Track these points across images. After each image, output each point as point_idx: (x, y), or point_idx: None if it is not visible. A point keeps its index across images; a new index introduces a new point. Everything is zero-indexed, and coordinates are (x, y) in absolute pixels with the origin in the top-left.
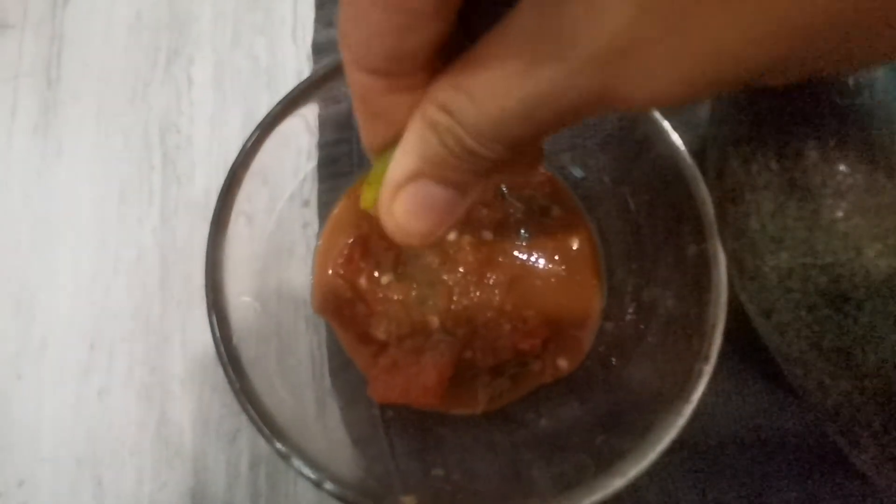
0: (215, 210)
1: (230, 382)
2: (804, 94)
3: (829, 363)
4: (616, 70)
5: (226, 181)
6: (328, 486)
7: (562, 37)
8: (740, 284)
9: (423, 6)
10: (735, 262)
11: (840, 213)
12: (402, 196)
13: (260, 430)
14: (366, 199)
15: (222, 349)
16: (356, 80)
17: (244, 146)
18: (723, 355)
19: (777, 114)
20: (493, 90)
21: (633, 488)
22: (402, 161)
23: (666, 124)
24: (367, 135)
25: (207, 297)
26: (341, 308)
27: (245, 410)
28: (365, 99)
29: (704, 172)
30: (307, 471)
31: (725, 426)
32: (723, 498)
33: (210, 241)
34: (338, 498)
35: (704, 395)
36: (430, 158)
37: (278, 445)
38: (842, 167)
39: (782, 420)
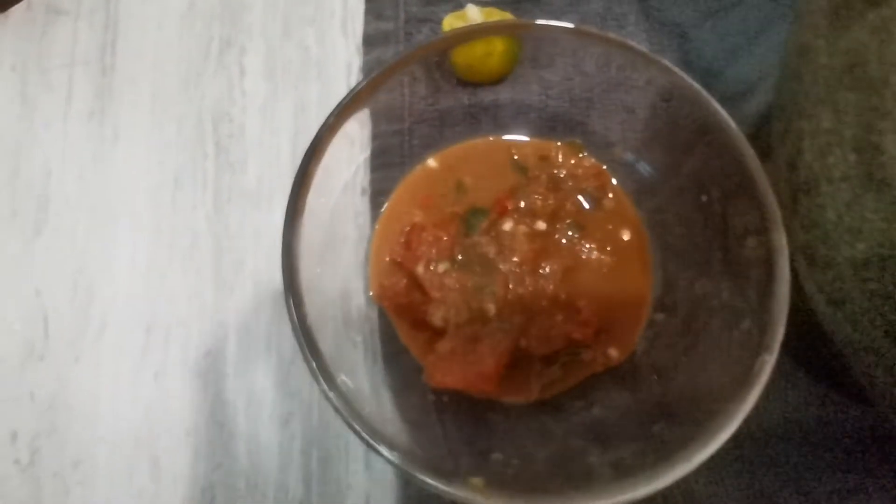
0: (290, 199)
1: (307, 361)
2: (882, 89)
3: None
4: None
5: (298, 173)
6: (401, 462)
7: None
8: (809, 275)
9: None
10: (804, 253)
11: None
12: None
13: (338, 411)
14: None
15: (300, 331)
16: None
17: (315, 140)
18: None
19: (855, 107)
20: None
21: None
22: None
23: (725, 115)
24: None
25: (285, 280)
26: (398, 295)
27: (323, 392)
28: None
29: (763, 159)
30: (390, 454)
31: (771, 419)
32: (768, 487)
33: (286, 229)
34: (410, 476)
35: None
36: None
37: (359, 428)
38: None
39: (827, 413)
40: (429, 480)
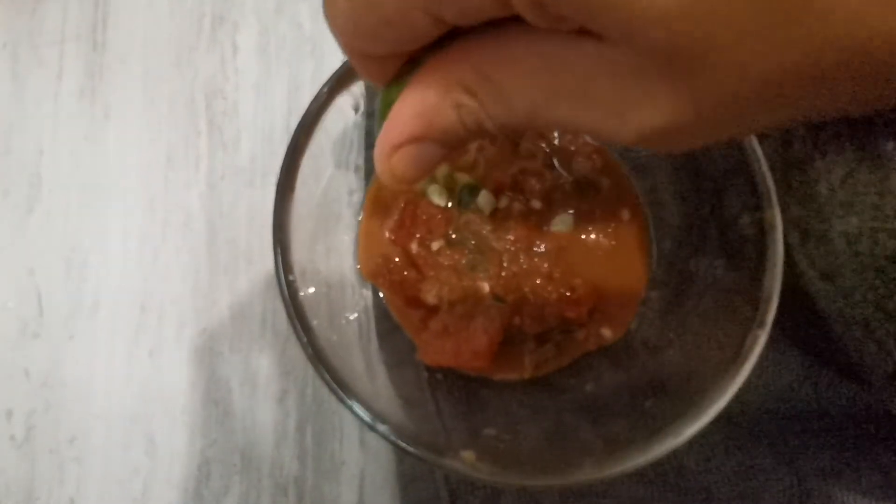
0: (280, 176)
1: (298, 337)
2: None
3: (894, 324)
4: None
5: (289, 148)
6: (393, 436)
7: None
8: (803, 250)
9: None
10: (798, 228)
11: None
12: (403, 152)
13: (329, 386)
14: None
15: (291, 308)
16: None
17: (306, 115)
18: None
19: None
20: (522, 89)
21: (674, 455)
22: (408, 123)
23: None
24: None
25: (276, 256)
26: (391, 273)
27: (315, 367)
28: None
29: (761, 141)
30: (382, 428)
31: (762, 397)
32: (759, 464)
33: (277, 205)
34: (404, 451)
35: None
36: (441, 128)
37: (352, 404)
38: None
39: (819, 392)
40: (420, 454)
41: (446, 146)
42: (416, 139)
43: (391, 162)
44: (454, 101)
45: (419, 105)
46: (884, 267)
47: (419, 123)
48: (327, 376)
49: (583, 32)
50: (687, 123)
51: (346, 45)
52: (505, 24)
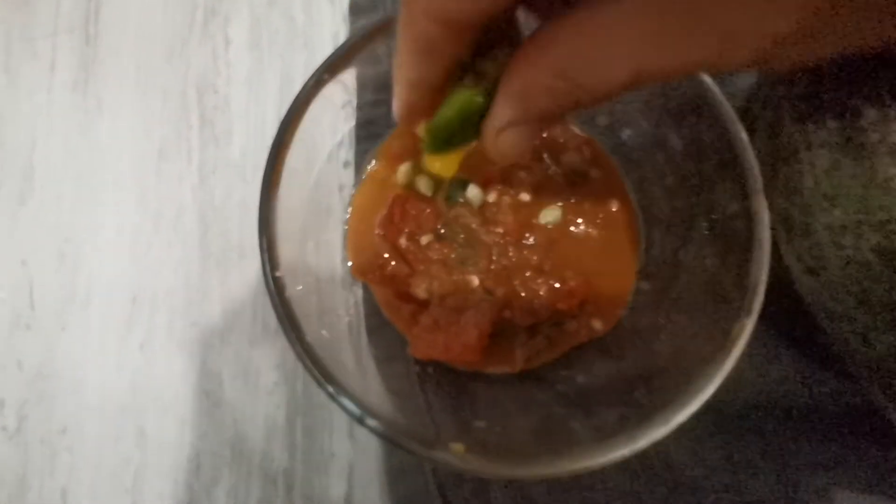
0: (266, 170)
1: (286, 334)
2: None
3: (877, 318)
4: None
5: (275, 141)
6: (382, 430)
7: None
8: (787, 242)
9: None
10: (784, 220)
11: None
12: (505, 136)
13: (318, 381)
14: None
15: (277, 301)
16: (423, 30)
17: (292, 107)
18: None
19: (835, 72)
20: (619, 49)
21: (662, 448)
22: (505, 113)
23: (716, 90)
24: (408, 89)
25: (262, 252)
26: (381, 268)
27: (301, 360)
28: (425, 48)
29: (752, 132)
30: (372, 422)
31: (752, 392)
32: (748, 458)
33: (262, 200)
34: (392, 442)
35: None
36: (536, 113)
37: (341, 399)
38: None
39: (808, 387)
40: (410, 447)
41: (544, 123)
42: (513, 123)
43: (497, 142)
44: (546, 88)
45: (514, 94)
46: (867, 260)
47: (516, 109)
48: (316, 372)
49: None
50: (813, 26)
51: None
52: None
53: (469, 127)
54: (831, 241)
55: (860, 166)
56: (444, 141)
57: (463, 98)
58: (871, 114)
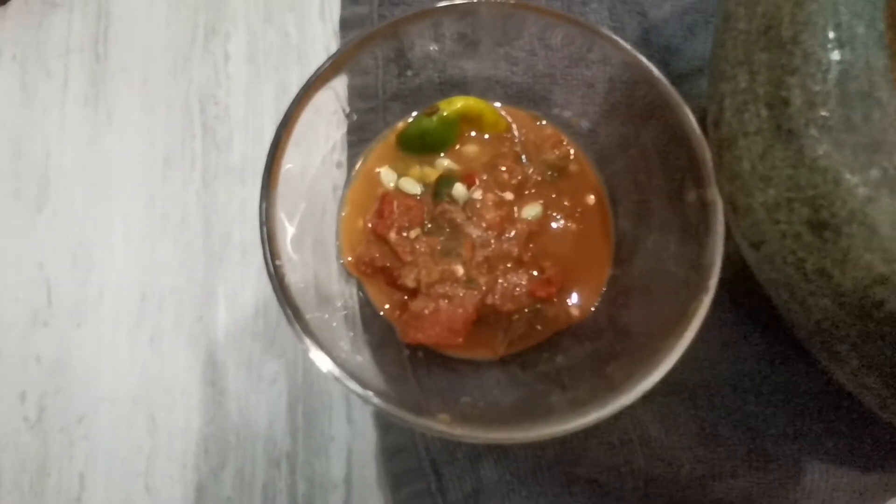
0: (265, 170)
1: (289, 321)
2: (792, 50)
3: (812, 284)
4: None
5: (272, 144)
6: (375, 400)
7: None
8: (734, 222)
9: None
10: (729, 202)
11: (821, 151)
12: None
13: (294, 330)
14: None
15: (277, 286)
16: None
17: (287, 113)
18: (722, 308)
19: (767, 66)
20: None
21: (638, 423)
22: None
23: (674, 93)
24: None
25: (263, 243)
26: (372, 260)
27: (299, 338)
28: None
29: (705, 128)
30: (375, 400)
31: (724, 373)
32: (718, 429)
33: (262, 195)
34: (384, 412)
35: (706, 343)
36: None
37: (338, 375)
38: (823, 112)
39: (780, 367)
40: (399, 414)
41: None
42: None
43: None
44: None
45: None
46: (800, 232)
47: None
48: (308, 341)
49: None
50: None
51: None
52: None
53: (426, 138)
54: (768, 217)
55: (789, 149)
56: (409, 147)
57: (420, 122)
58: (797, 102)
